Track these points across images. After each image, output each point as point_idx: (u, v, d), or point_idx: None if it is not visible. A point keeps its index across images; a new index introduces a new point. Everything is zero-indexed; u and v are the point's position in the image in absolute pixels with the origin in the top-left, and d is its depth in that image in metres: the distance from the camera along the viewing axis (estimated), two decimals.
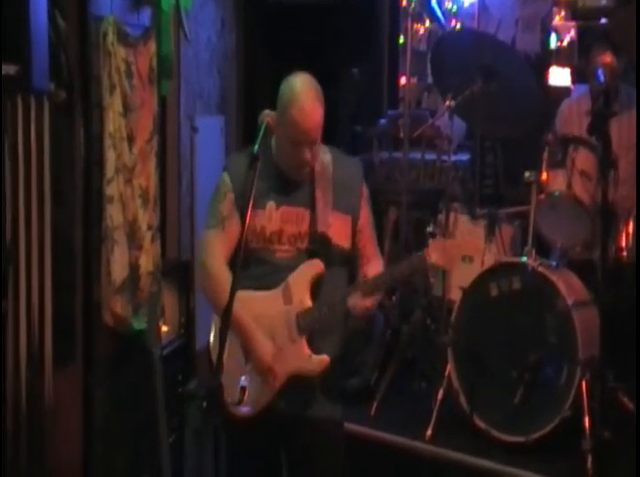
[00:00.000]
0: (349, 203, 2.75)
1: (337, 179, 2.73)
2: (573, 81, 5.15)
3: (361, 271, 2.81)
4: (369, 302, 2.67)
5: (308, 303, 2.69)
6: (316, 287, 2.71)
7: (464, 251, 2.66)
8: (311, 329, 2.70)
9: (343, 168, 2.77)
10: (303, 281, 2.69)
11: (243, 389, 2.65)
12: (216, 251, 2.71)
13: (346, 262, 2.80)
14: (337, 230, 2.71)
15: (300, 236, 2.71)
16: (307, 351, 2.69)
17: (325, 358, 2.69)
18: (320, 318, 2.69)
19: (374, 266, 2.81)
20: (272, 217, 2.69)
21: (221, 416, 2.63)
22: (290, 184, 2.72)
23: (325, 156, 2.75)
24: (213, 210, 2.76)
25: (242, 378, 2.66)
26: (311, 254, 2.70)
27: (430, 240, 2.68)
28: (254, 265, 2.70)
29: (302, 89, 2.62)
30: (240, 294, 2.48)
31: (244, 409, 2.70)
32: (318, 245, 2.69)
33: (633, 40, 4.32)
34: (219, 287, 2.64)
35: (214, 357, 2.75)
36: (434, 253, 2.63)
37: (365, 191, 2.81)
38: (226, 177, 2.74)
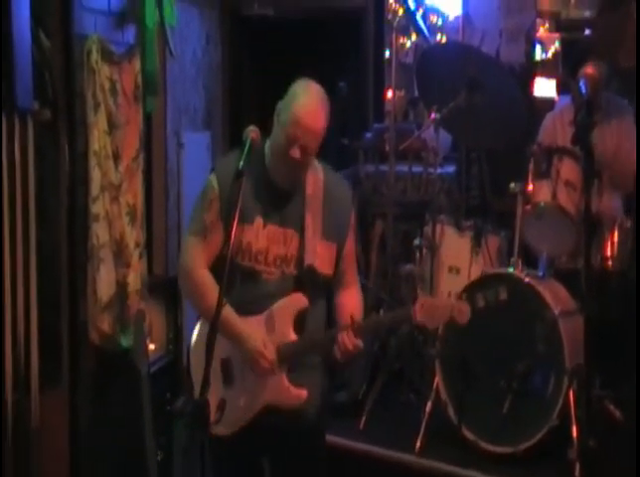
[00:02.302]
0: (337, 231, 2.73)
1: (328, 205, 2.71)
2: (558, 93, 5.18)
3: (337, 296, 2.80)
4: (360, 341, 2.62)
5: (291, 337, 2.68)
6: (299, 320, 2.69)
7: (450, 313, 2.58)
8: (291, 361, 2.69)
9: (334, 192, 2.74)
10: (287, 314, 2.67)
11: (221, 409, 2.64)
12: (197, 258, 2.69)
13: (326, 290, 2.79)
14: (323, 259, 2.70)
15: (287, 259, 2.68)
16: (286, 383, 2.67)
17: (304, 393, 2.67)
18: (302, 353, 2.70)
19: (352, 295, 2.81)
20: (259, 234, 2.67)
21: (207, 433, 2.61)
22: (281, 201, 2.69)
23: (318, 175, 2.72)
24: (197, 216, 2.72)
25: (220, 398, 2.66)
26: (297, 282, 2.69)
27: (419, 298, 2.65)
28: (240, 287, 2.68)
29: (313, 92, 2.63)
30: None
31: (221, 429, 2.69)
32: (305, 275, 2.67)
33: (615, 48, 4.36)
34: (201, 289, 2.63)
35: (194, 372, 2.74)
36: (420, 313, 2.60)
37: (353, 218, 2.80)
38: (214, 181, 2.69)
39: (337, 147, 5.36)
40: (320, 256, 2.69)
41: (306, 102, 2.59)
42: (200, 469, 3.52)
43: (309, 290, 2.68)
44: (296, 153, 2.58)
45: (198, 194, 2.77)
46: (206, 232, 2.68)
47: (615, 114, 4.20)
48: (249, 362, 2.66)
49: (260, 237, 2.67)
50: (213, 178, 2.71)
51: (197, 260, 2.69)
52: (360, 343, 2.62)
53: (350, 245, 2.80)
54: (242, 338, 2.65)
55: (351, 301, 2.79)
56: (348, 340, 2.60)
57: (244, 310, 2.67)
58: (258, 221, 2.67)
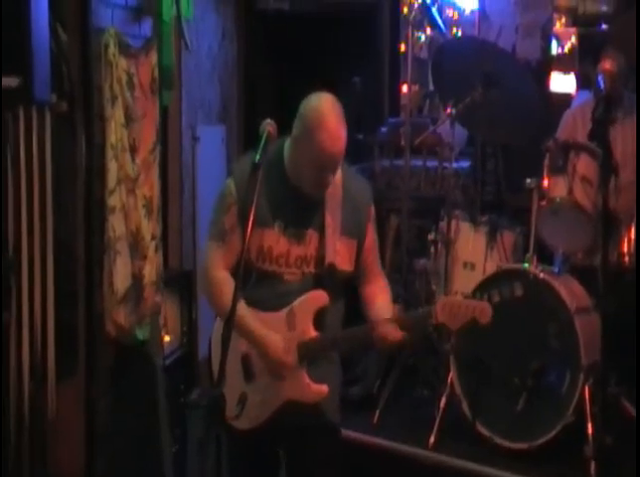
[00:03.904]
0: (356, 227, 2.73)
1: (346, 202, 2.70)
2: (577, 88, 5.16)
3: (365, 289, 2.80)
4: (400, 334, 2.62)
5: (311, 334, 2.67)
6: (319, 316, 2.69)
7: (472, 313, 2.58)
8: (311, 358, 2.69)
9: (353, 189, 2.73)
10: (308, 311, 2.67)
11: (242, 403, 2.66)
12: (218, 262, 2.70)
13: (345, 287, 2.79)
14: (343, 256, 2.70)
15: (307, 259, 2.68)
16: (306, 380, 2.68)
17: (324, 388, 2.68)
18: (323, 350, 2.70)
19: (380, 287, 2.81)
20: (280, 238, 2.66)
21: (222, 425, 2.62)
22: (300, 203, 2.68)
23: (336, 173, 2.69)
24: (216, 220, 2.72)
25: (241, 393, 2.67)
26: (317, 280, 2.69)
27: (438, 299, 2.64)
28: (261, 289, 2.68)
29: (329, 112, 2.54)
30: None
31: (242, 424, 2.71)
32: (325, 273, 2.67)
33: (632, 46, 4.33)
34: (221, 291, 2.63)
35: (214, 365, 2.75)
36: (442, 313, 2.60)
37: (372, 212, 2.79)
38: (231, 185, 2.67)
39: (352, 142, 5.35)
40: (340, 254, 2.68)
41: (328, 129, 2.51)
42: (214, 461, 3.53)
43: (329, 288, 2.68)
44: (328, 178, 2.58)
45: (216, 197, 2.76)
46: (225, 236, 2.68)
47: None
48: (269, 367, 2.66)
49: (281, 240, 2.66)
50: (230, 182, 2.69)
51: (217, 264, 2.69)
52: (399, 335, 2.61)
53: (371, 239, 2.79)
54: (262, 342, 2.65)
55: (380, 294, 2.79)
56: (390, 332, 2.60)
57: (265, 306, 2.68)
58: (279, 224, 2.66)
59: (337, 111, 2.56)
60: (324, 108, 2.55)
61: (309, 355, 2.67)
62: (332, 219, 2.67)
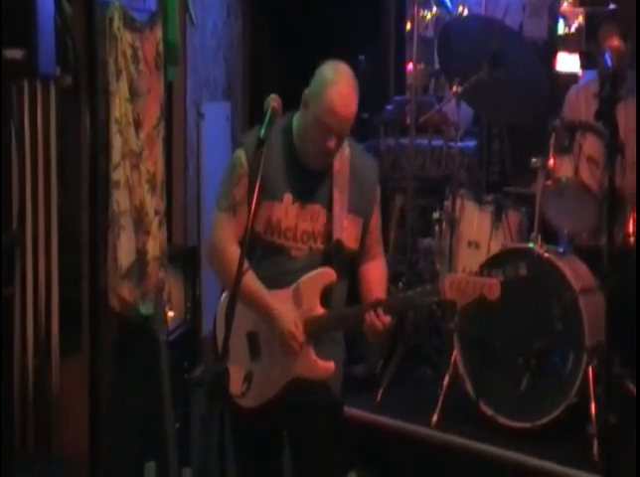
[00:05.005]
0: (362, 206, 2.72)
1: (354, 180, 2.69)
2: (582, 67, 5.13)
3: (362, 268, 2.80)
4: (388, 318, 2.62)
5: (318, 311, 2.67)
6: (326, 294, 2.68)
7: (480, 290, 2.56)
8: (318, 336, 2.69)
9: (360, 168, 2.73)
10: (315, 288, 2.66)
11: (248, 381, 2.65)
12: (227, 234, 2.67)
13: (350, 265, 2.79)
14: (349, 233, 2.69)
15: (314, 235, 2.67)
16: (314, 357, 2.67)
17: (331, 365, 2.68)
18: (329, 327, 2.70)
19: (377, 267, 2.81)
20: (288, 211, 2.65)
21: (226, 402, 2.62)
22: (308, 178, 2.67)
23: (344, 150, 2.69)
24: (226, 192, 2.69)
25: (247, 371, 2.67)
26: (324, 257, 2.68)
27: (446, 276, 2.63)
28: (268, 263, 2.66)
29: (345, 76, 2.59)
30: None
31: (247, 402, 2.70)
32: (332, 250, 2.67)
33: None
34: (232, 265, 2.55)
35: (219, 341, 2.74)
36: (450, 290, 2.59)
37: (378, 193, 2.79)
38: (242, 156, 2.65)
39: (357, 121, 5.33)
40: (347, 231, 2.68)
41: (340, 90, 2.55)
42: (217, 438, 3.54)
43: (336, 265, 2.67)
44: (333, 143, 2.57)
45: (226, 168, 2.74)
46: (236, 208, 2.66)
47: None
48: (279, 340, 2.65)
49: (289, 213, 2.65)
50: (241, 153, 2.67)
51: (227, 237, 2.67)
52: (388, 320, 2.62)
53: (375, 220, 2.79)
54: (274, 315, 2.64)
55: (375, 273, 2.79)
56: (377, 319, 2.60)
57: (271, 284, 2.66)
58: (287, 197, 2.65)
59: (352, 79, 2.61)
60: (341, 72, 2.61)
61: (316, 332, 2.66)
62: (340, 195, 2.66)
